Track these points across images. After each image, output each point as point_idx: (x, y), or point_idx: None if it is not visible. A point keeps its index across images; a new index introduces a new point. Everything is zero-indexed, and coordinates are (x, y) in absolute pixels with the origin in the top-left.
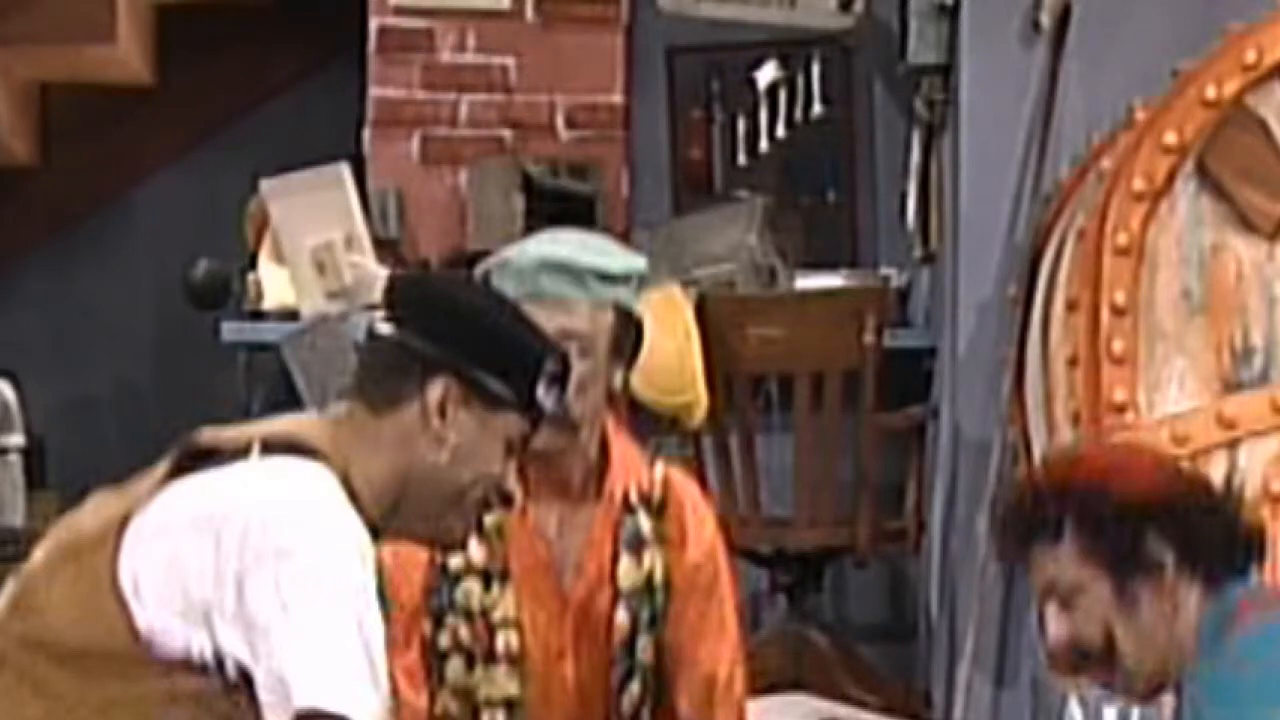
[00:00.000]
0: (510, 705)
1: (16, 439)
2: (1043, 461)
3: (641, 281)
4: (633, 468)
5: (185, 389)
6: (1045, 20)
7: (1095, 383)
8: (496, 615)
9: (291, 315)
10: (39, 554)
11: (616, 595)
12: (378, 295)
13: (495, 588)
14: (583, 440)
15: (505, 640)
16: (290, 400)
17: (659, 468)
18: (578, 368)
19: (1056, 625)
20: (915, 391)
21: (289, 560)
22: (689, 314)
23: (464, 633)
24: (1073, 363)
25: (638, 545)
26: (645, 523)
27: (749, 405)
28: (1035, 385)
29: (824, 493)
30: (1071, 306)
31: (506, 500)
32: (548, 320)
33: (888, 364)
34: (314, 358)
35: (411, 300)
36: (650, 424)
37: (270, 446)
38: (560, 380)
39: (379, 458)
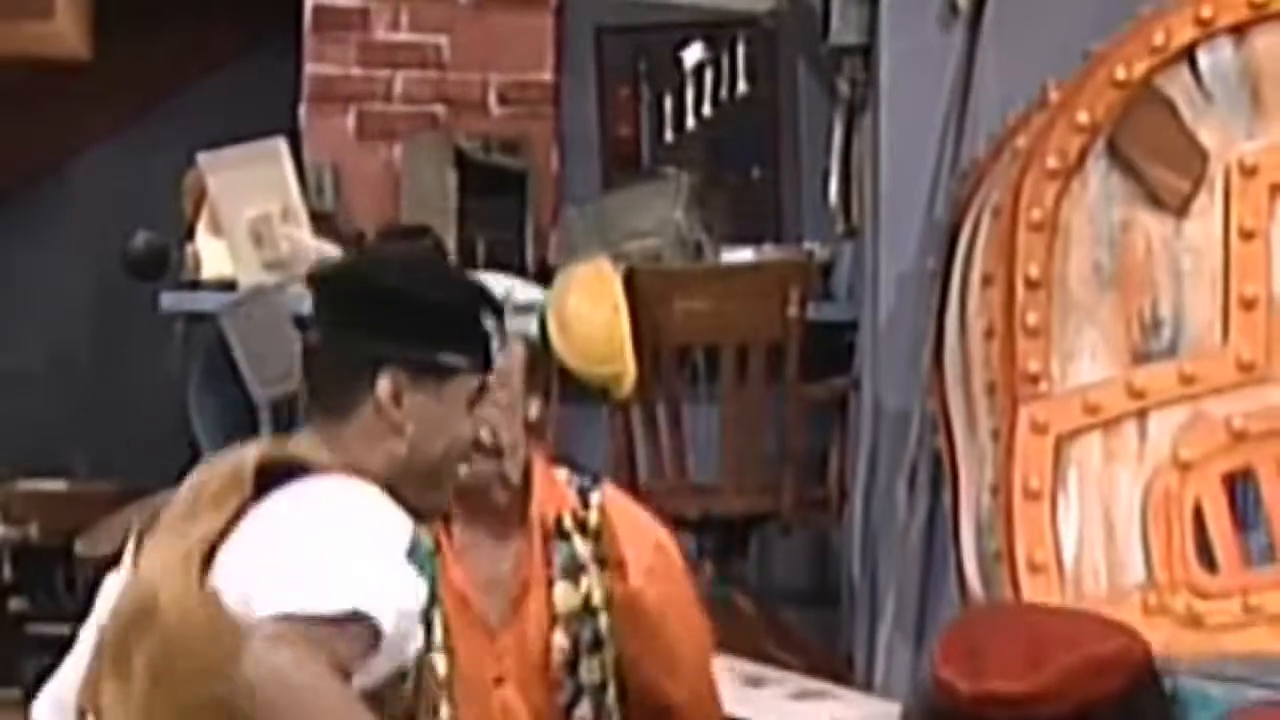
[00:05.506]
0: None
1: None
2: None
3: (543, 313)
4: (559, 495)
5: (123, 360)
6: (963, 3)
7: (1010, 354)
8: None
9: (229, 286)
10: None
11: (554, 620)
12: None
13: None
14: (509, 468)
15: (434, 664)
16: (227, 369)
17: (596, 494)
18: (498, 398)
19: None
20: (838, 363)
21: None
22: (617, 287)
23: None
24: (989, 335)
25: (574, 570)
26: (582, 547)
27: (676, 376)
28: (953, 357)
29: (749, 461)
30: (987, 280)
31: (480, 449)
32: None
33: (811, 336)
34: (251, 327)
35: (331, 299)
36: (579, 394)
37: (270, 472)
38: (499, 325)
39: (354, 460)
